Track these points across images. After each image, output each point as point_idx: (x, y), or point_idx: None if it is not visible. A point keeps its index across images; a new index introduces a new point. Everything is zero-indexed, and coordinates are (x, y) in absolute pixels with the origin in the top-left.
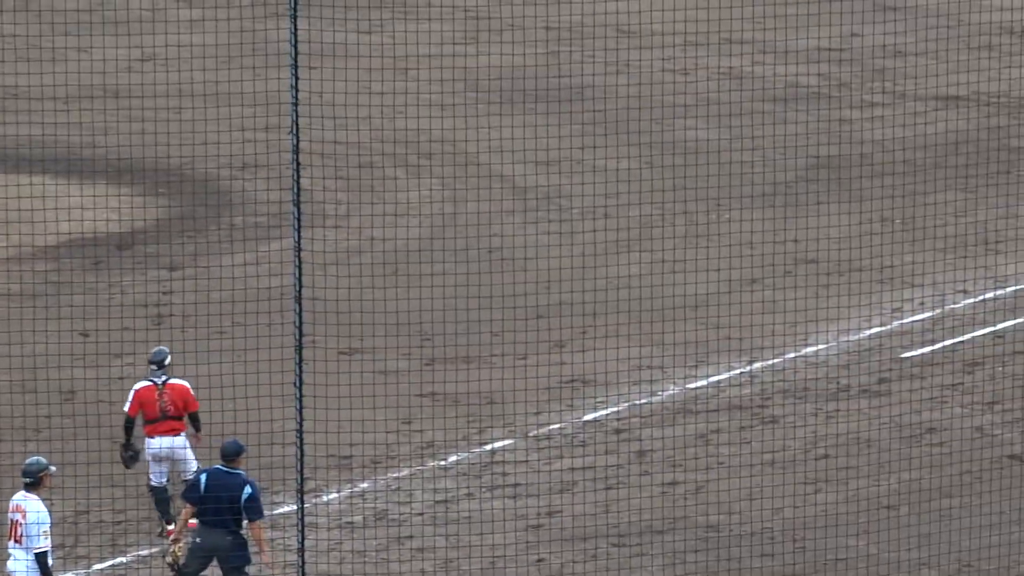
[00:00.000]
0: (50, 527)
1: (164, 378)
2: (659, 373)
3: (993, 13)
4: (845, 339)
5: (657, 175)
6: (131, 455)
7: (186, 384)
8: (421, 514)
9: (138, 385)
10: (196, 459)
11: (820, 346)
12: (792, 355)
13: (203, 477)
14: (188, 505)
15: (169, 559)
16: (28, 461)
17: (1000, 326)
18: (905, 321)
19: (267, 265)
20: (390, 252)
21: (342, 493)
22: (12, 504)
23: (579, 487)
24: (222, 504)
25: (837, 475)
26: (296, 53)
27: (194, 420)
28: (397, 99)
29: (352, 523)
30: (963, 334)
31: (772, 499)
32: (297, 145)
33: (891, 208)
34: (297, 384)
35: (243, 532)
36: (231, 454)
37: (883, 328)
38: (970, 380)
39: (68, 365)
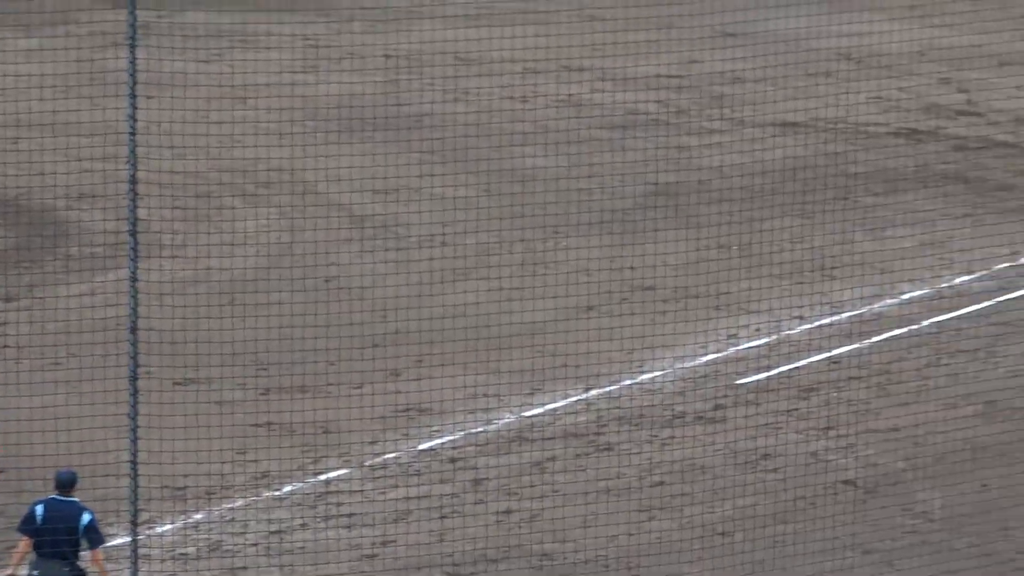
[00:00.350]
0: None
1: None
2: (495, 401)
3: (831, 39)
4: (681, 366)
5: (495, 203)
6: None
7: None
8: (255, 545)
9: None
10: None
11: (656, 373)
12: (628, 382)
13: (39, 508)
14: (24, 538)
15: None
16: None
17: (835, 352)
18: (741, 347)
19: (103, 296)
20: (226, 282)
21: (176, 524)
22: None
23: (414, 516)
24: (60, 535)
25: (672, 502)
26: (134, 82)
27: None
28: (236, 128)
29: (186, 555)
30: (799, 360)
31: (607, 527)
32: (134, 175)
33: (728, 234)
34: (131, 415)
35: (80, 563)
36: (66, 483)
37: (719, 355)
38: (805, 406)
39: None
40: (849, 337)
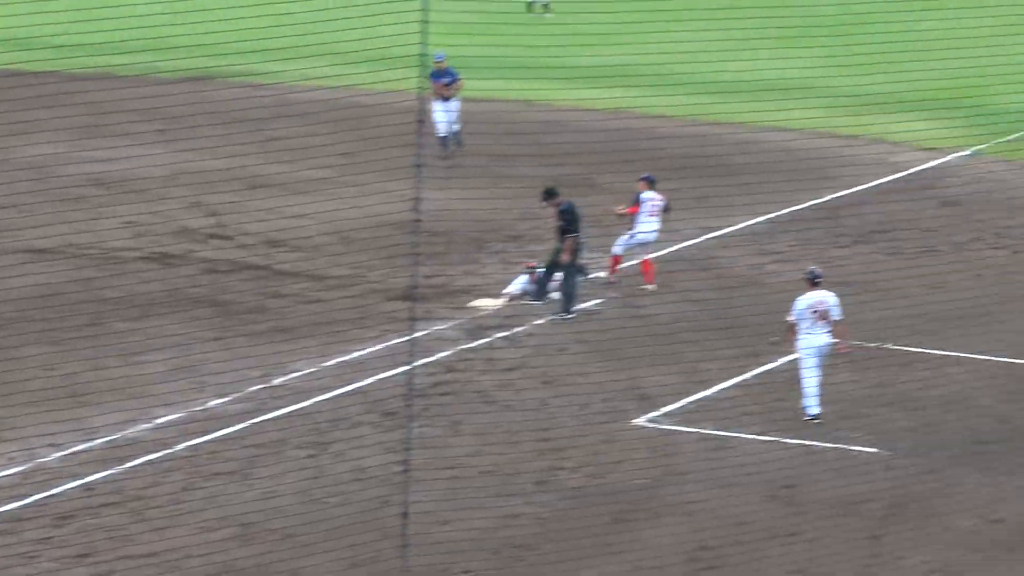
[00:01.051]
0: None
1: None
2: None
3: (81, 165)
4: None
5: None
6: None
7: None
8: None
9: None
10: None
11: None
12: None
13: None
14: None
15: None
16: None
17: (90, 478)
18: None
19: None
20: None
21: None
22: None
23: None
24: None
25: None
26: None
27: None
28: None
29: None
30: (53, 487)
31: None
32: None
33: None
34: None
35: None
36: None
37: None
38: (60, 534)
39: None
40: (104, 463)
